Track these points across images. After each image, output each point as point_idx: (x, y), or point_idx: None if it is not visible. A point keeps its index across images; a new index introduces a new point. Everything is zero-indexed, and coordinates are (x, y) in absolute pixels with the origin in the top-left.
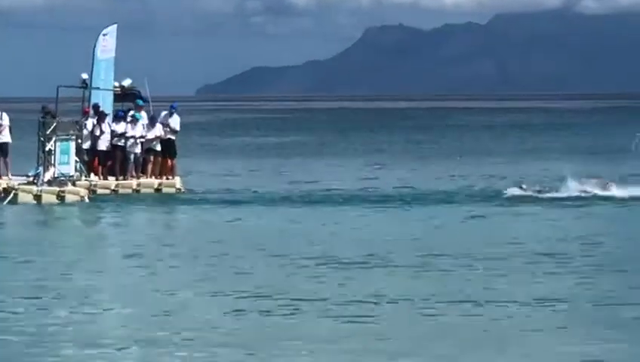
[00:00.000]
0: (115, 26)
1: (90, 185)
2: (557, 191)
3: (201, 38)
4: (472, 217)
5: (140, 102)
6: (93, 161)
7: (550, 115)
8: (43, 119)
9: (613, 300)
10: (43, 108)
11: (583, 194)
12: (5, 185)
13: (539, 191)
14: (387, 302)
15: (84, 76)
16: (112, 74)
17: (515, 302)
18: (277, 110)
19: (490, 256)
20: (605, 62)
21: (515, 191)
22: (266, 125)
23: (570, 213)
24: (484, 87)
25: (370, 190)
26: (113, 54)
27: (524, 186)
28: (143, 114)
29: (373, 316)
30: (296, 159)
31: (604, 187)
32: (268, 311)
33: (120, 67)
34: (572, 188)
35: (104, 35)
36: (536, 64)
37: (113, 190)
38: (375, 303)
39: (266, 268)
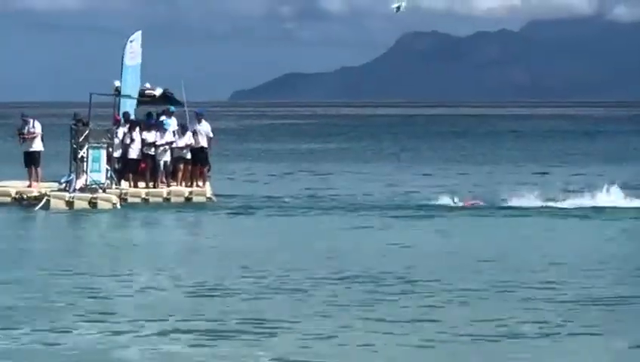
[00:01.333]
0: (140, 32)
1: (121, 193)
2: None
3: (234, 44)
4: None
5: (173, 108)
6: (124, 169)
7: (578, 122)
8: (75, 126)
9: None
10: (75, 115)
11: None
12: (37, 193)
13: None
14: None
15: (117, 84)
16: (139, 80)
17: None
18: (313, 116)
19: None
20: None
21: (446, 201)
22: (302, 131)
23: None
24: (516, 94)
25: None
26: (139, 60)
27: (455, 200)
28: (173, 120)
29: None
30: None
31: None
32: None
33: (153, 72)
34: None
35: (130, 41)
36: (569, 71)
37: (144, 198)
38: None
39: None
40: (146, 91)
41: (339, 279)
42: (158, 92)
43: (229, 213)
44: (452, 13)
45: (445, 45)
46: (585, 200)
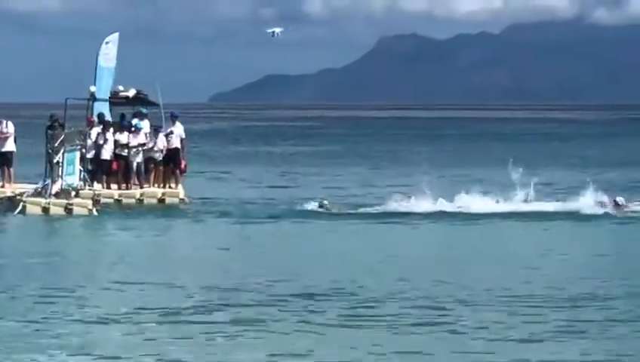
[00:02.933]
0: (117, 34)
1: (94, 194)
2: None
3: (215, 46)
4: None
5: (145, 110)
6: (97, 170)
7: (560, 126)
8: (51, 130)
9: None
10: (51, 116)
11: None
12: (11, 193)
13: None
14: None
15: (93, 89)
16: (112, 83)
17: None
18: (296, 118)
19: None
20: (619, 73)
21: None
22: (284, 133)
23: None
24: (498, 97)
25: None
26: (114, 63)
27: (325, 202)
28: (146, 122)
29: None
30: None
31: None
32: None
33: (133, 73)
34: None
35: (106, 43)
36: (550, 74)
37: (116, 200)
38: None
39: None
40: (120, 93)
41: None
42: (131, 93)
43: (200, 216)
44: (432, 16)
45: (425, 48)
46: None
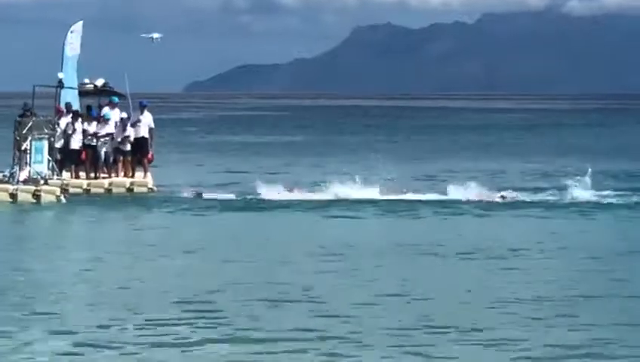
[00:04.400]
0: (81, 22)
1: (62, 184)
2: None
3: (188, 36)
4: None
5: (116, 99)
6: (66, 159)
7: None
8: (20, 117)
9: None
10: (25, 105)
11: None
12: None
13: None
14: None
15: (61, 75)
16: (76, 71)
17: None
18: (269, 107)
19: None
20: (591, 63)
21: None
22: (252, 123)
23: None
24: (471, 87)
25: None
26: (79, 52)
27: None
28: (116, 112)
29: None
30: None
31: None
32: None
33: (105, 63)
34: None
35: (71, 32)
36: (523, 64)
37: (85, 189)
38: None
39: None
40: (86, 86)
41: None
42: (99, 82)
43: (167, 205)
44: (406, 5)
45: (399, 37)
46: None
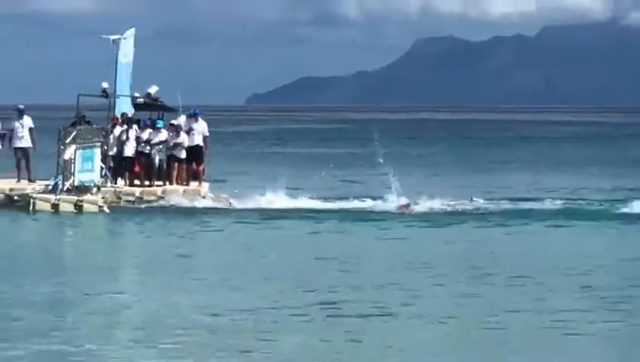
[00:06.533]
0: (133, 29)
1: (116, 191)
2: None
3: (250, 47)
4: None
5: (160, 123)
6: (120, 167)
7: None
8: (62, 128)
9: None
10: (77, 113)
11: None
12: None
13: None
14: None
15: (105, 85)
16: (130, 78)
17: None
18: (333, 120)
19: None
20: None
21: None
22: (315, 135)
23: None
24: (532, 100)
25: None
26: (131, 59)
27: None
28: (180, 119)
29: None
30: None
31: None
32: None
33: (165, 75)
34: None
35: (124, 38)
36: (586, 77)
37: (138, 197)
38: None
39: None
40: (137, 99)
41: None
42: (153, 90)
43: (225, 215)
44: (466, 18)
45: (461, 50)
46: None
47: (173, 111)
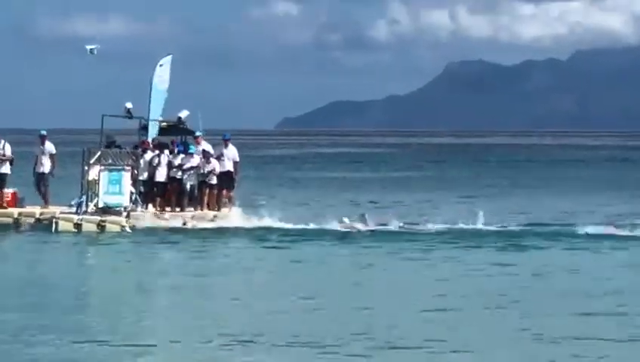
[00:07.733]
0: (170, 57)
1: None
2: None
3: (280, 71)
4: None
5: (198, 133)
6: (151, 191)
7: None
8: (87, 149)
9: None
10: (107, 137)
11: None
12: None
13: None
14: None
15: (129, 105)
16: (163, 104)
17: None
18: (366, 144)
19: None
20: None
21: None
22: (348, 159)
23: None
24: (566, 124)
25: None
26: (167, 85)
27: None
28: (202, 145)
29: None
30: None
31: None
32: None
33: (199, 99)
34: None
35: (160, 65)
36: (618, 101)
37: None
38: None
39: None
40: (162, 124)
41: None
42: (183, 114)
43: (253, 239)
44: (497, 42)
45: (492, 74)
46: None
47: (193, 134)
